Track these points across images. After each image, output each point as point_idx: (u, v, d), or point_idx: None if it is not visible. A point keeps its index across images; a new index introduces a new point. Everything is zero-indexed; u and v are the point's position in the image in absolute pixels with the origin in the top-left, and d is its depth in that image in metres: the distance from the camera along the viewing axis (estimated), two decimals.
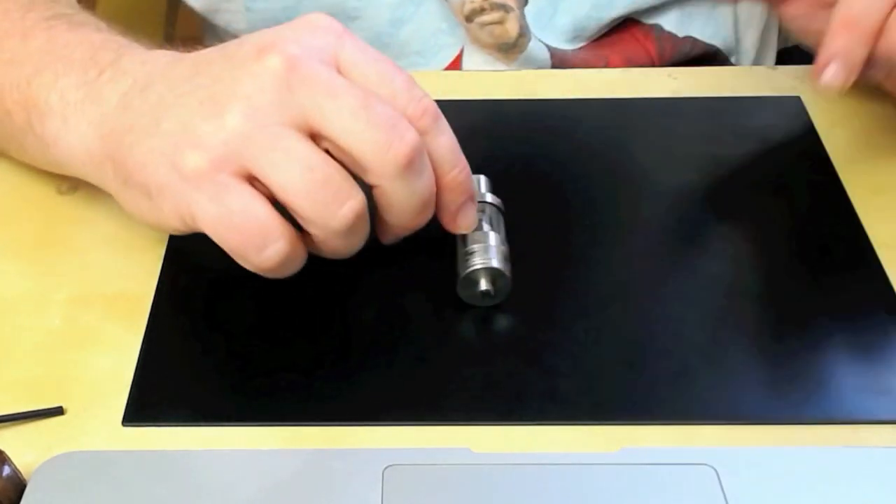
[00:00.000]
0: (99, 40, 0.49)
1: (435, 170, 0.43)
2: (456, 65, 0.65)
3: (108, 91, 0.46)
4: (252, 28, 0.64)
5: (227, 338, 0.46)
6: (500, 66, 0.65)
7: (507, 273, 0.46)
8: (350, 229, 0.42)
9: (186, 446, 0.42)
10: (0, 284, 0.49)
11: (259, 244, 0.42)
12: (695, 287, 0.48)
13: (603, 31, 0.66)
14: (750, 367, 0.45)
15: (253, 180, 0.42)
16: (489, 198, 0.48)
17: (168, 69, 0.45)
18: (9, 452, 0.40)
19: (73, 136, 0.47)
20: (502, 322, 0.47)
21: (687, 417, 0.43)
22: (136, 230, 0.51)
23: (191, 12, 0.70)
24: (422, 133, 0.42)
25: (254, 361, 0.45)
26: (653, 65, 0.67)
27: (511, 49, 0.64)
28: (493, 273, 0.46)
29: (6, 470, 0.39)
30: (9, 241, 0.51)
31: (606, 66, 0.66)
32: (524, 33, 0.64)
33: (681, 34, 0.67)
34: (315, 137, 0.42)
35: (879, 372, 0.44)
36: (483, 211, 0.48)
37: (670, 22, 0.67)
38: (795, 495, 0.40)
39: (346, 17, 0.64)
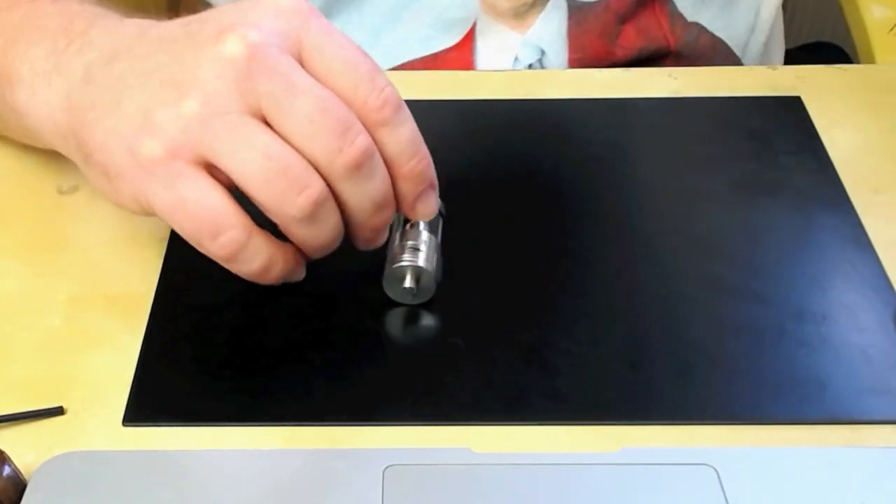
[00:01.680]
0: (75, 10, 0.49)
1: (392, 160, 0.43)
2: (469, 38, 0.65)
3: (75, 62, 0.46)
4: None
5: (227, 338, 0.46)
6: (514, 34, 0.65)
7: (433, 272, 0.46)
8: (311, 217, 0.42)
9: (186, 446, 0.42)
10: (0, 284, 0.49)
11: (212, 231, 0.42)
12: (695, 287, 0.48)
13: None
14: (750, 367, 0.45)
15: (211, 168, 0.42)
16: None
17: (133, 43, 0.45)
18: (9, 452, 0.40)
19: (41, 107, 0.47)
20: (502, 322, 0.47)
21: (687, 417, 0.43)
22: (136, 230, 0.51)
23: (194, 6, 0.70)
24: (381, 124, 0.43)
25: (254, 361, 0.45)
26: (665, 41, 0.67)
27: (527, 13, 0.65)
28: (418, 271, 0.46)
29: (6, 470, 0.39)
30: (9, 241, 0.51)
31: (618, 34, 0.66)
32: None
33: (690, 18, 0.67)
34: (269, 125, 0.42)
35: (879, 372, 0.44)
36: None
37: (685, 3, 0.67)
38: (795, 495, 0.40)
39: None
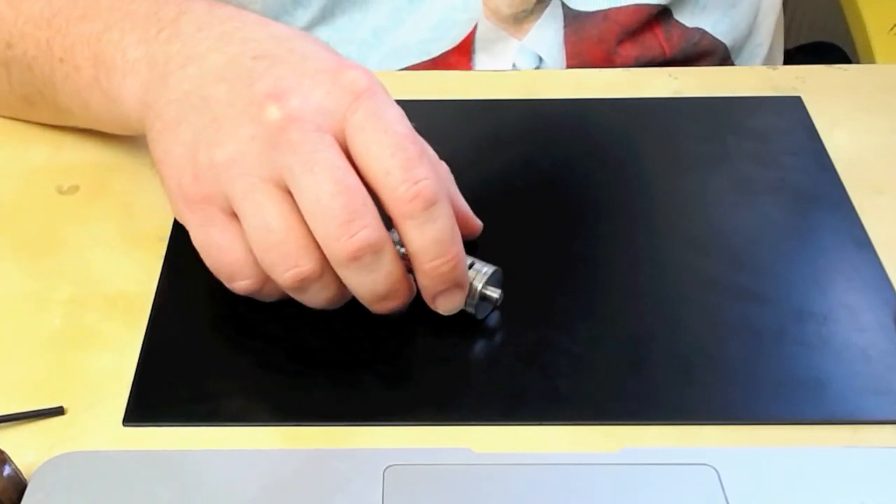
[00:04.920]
0: None
1: (414, 256, 0.43)
2: (468, 42, 0.65)
3: (161, 53, 0.47)
4: (265, 9, 0.64)
5: (228, 338, 0.46)
6: (511, 41, 0.65)
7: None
8: (298, 290, 0.43)
9: (186, 446, 0.42)
10: (0, 284, 0.49)
11: (228, 276, 0.44)
12: (695, 287, 0.48)
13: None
14: (750, 367, 0.45)
15: None
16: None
17: (211, 49, 0.46)
18: (9, 452, 0.40)
19: (129, 94, 0.48)
20: (502, 322, 0.47)
21: (687, 417, 0.43)
22: (136, 230, 0.51)
23: None
24: (407, 217, 0.42)
25: (254, 361, 0.45)
26: (661, 49, 0.67)
27: (525, 19, 0.65)
28: (496, 276, 0.46)
29: (7, 470, 0.39)
30: (9, 241, 0.51)
31: (618, 42, 0.66)
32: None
33: (690, 24, 0.67)
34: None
35: (879, 372, 0.44)
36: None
37: (682, 10, 0.67)
38: (795, 495, 0.40)
39: None
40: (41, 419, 0.43)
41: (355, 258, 0.42)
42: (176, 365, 0.45)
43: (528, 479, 0.40)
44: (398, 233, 0.43)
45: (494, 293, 0.46)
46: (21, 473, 0.40)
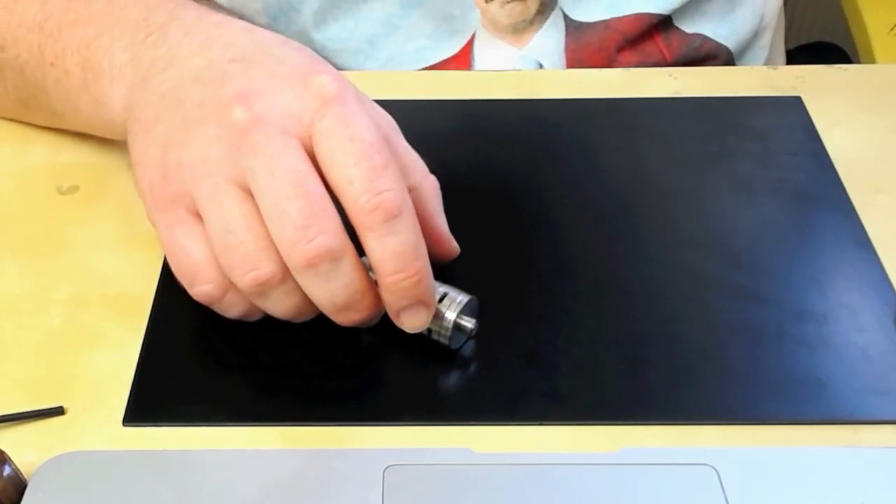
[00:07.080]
0: (156, 1, 0.50)
1: (375, 268, 0.42)
2: (467, 51, 0.65)
3: (147, 57, 0.47)
4: (267, 9, 0.64)
5: (228, 338, 0.46)
6: (512, 50, 0.65)
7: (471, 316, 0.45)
8: (258, 295, 0.43)
9: (186, 446, 0.42)
10: (0, 284, 0.49)
11: (189, 280, 0.44)
12: (694, 287, 0.48)
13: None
14: (750, 367, 0.45)
15: None
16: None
17: (192, 55, 0.46)
18: (9, 452, 0.40)
19: (115, 98, 0.48)
20: (503, 322, 0.47)
21: (687, 417, 0.43)
22: (136, 230, 0.51)
23: None
24: (368, 228, 0.41)
25: (254, 361, 0.45)
26: (662, 56, 0.67)
27: (525, 29, 0.65)
28: (471, 305, 0.45)
29: (7, 470, 0.39)
30: (9, 241, 0.51)
31: (618, 50, 0.66)
32: (542, 10, 0.64)
33: (689, 30, 0.67)
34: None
35: (879, 372, 0.44)
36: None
37: (682, 17, 0.67)
38: (796, 495, 0.40)
39: None
40: (41, 419, 0.43)
41: (311, 265, 0.41)
42: (176, 365, 0.45)
43: (528, 479, 0.40)
44: (362, 244, 0.42)
45: (469, 323, 0.45)
46: (21, 473, 0.40)
